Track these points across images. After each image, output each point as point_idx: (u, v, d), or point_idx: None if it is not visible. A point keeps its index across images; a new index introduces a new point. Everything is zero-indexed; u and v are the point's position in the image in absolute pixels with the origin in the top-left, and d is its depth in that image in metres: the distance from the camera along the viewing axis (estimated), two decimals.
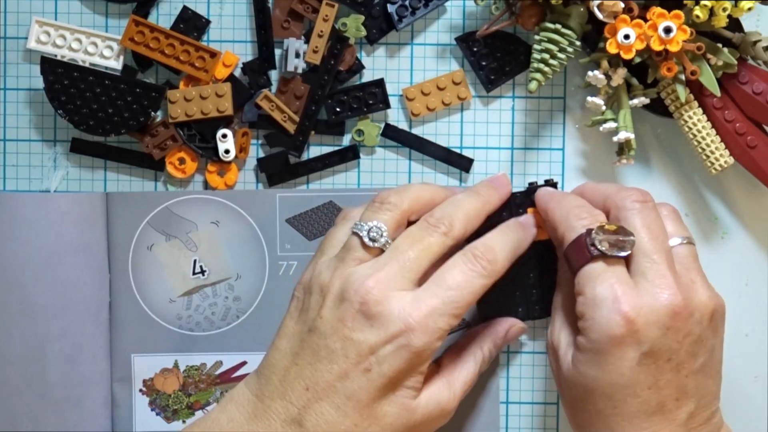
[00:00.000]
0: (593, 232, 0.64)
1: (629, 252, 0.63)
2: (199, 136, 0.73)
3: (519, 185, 0.73)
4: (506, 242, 0.66)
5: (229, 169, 0.73)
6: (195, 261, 0.74)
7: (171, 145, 0.73)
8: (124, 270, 0.74)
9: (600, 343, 0.62)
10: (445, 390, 0.66)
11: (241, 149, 0.73)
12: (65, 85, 0.71)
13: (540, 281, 0.72)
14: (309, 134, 0.73)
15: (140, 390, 0.74)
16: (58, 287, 0.73)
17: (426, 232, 0.65)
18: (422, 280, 0.65)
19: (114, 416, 0.74)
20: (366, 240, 0.65)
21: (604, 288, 0.62)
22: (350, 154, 0.73)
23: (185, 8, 0.73)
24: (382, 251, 0.65)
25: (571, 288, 0.66)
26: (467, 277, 0.64)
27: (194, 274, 0.74)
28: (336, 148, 0.74)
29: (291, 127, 0.73)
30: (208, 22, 0.73)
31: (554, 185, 0.71)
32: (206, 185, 0.74)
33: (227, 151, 0.72)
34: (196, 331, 0.74)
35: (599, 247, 0.63)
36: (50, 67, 0.71)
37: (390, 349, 0.62)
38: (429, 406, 0.65)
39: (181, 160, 0.73)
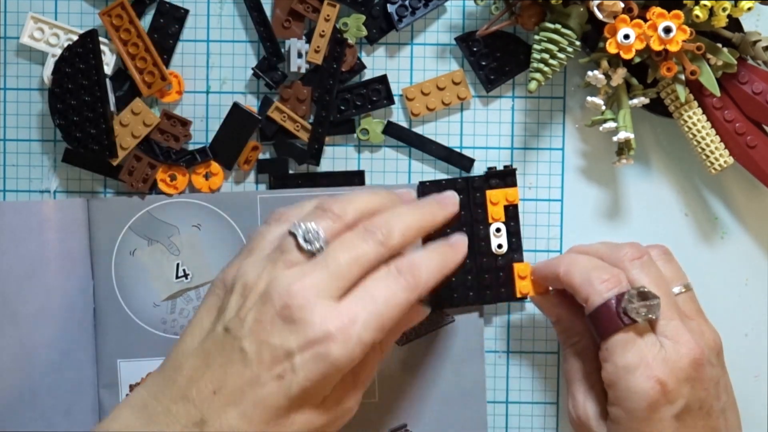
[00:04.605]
0: (625, 299, 0.64)
1: (658, 315, 0.64)
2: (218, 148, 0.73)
3: (519, 185, 0.73)
4: (432, 260, 0.63)
5: (215, 174, 0.73)
6: (178, 265, 0.74)
7: (152, 173, 0.73)
8: (107, 276, 0.74)
9: (637, 411, 0.63)
10: (351, 392, 0.63)
11: (247, 161, 0.73)
12: (68, 73, 0.71)
13: (493, 266, 0.72)
14: (323, 140, 0.73)
15: (127, 395, 0.74)
16: (42, 295, 0.73)
17: (361, 239, 0.62)
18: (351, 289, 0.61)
19: None
20: (301, 241, 0.61)
21: (634, 355, 0.63)
22: (356, 180, 0.73)
23: (162, 2, 0.73)
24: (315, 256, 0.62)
25: (591, 355, 0.67)
26: (392, 291, 0.61)
27: (177, 277, 0.74)
28: (343, 170, 0.74)
29: (304, 135, 0.73)
30: (186, 11, 0.73)
31: (513, 171, 0.72)
32: (192, 188, 0.74)
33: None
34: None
35: (632, 315, 0.64)
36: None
37: (307, 357, 0.58)
38: (335, 408, 0.62)
39: (172, 177, 0.73)
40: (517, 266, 0.72)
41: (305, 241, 0.61)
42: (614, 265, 0.66)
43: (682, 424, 0.63)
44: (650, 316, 0.64)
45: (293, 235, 0.61)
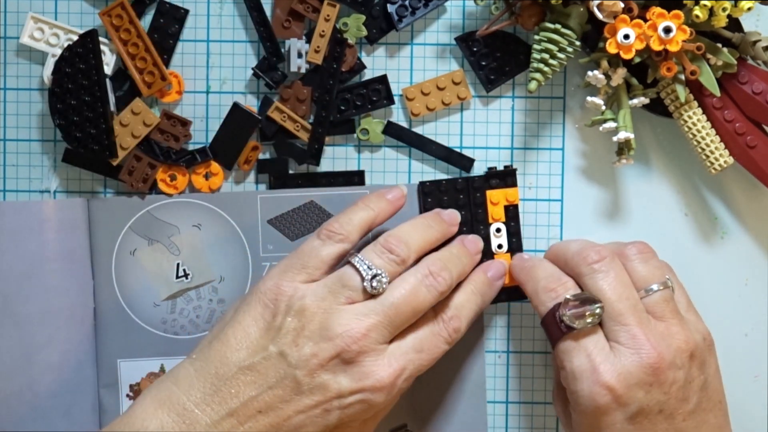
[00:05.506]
0: (560, 307, 0.65)
1: (599, 320, 0.64)
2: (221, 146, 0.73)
3: (519, 185, 0.73)
4: (473, 307, 0.68)
5: (215, 174, 0.73)
6: (178, 264, 0.74)
7: (152, 173, 0.73)
8: (107, 276, 0.74)
9: (588, 415, 0.64)
10: (371, 422, 0.66)
11: (247, 161, 0.73)
12: (68, 72, 0.71)
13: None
14: (323, 140, 0.73)
15: (127, 395, 0.74)
16: (42, 295, 0.73)
17: (423, 285, 0.65)
18: None
19: (102, 422, 0.74)
20: (367, 285, 0.64)
21: (581, 361, 0.64)
22: (356, 180, 0.73)
23: (162, 2, 0.73)
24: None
25: None
26: (436, 343, 0.65)
27: (177, 277, 0.74)
28: (343, 170, 0.74)
29: (304, 135, 0.73)
30: (186, 11, 0.73)
31: (513, 171, 0.72)
32: (192, 188, 0.74)
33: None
34: (181, 334, 0.74)
35: (568, 323, 0.64)
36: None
37: (354, 399, 0.62)
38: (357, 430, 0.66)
39: (172, 177, 0.73)
40: (497, 257, 0.72)
41: (372, 287, 0.64)
42: (572, 269, 0.67)
43: (638, 426, 0.63)
44: (589, 322, 0.64)
45: (359, 273, 0.64)
